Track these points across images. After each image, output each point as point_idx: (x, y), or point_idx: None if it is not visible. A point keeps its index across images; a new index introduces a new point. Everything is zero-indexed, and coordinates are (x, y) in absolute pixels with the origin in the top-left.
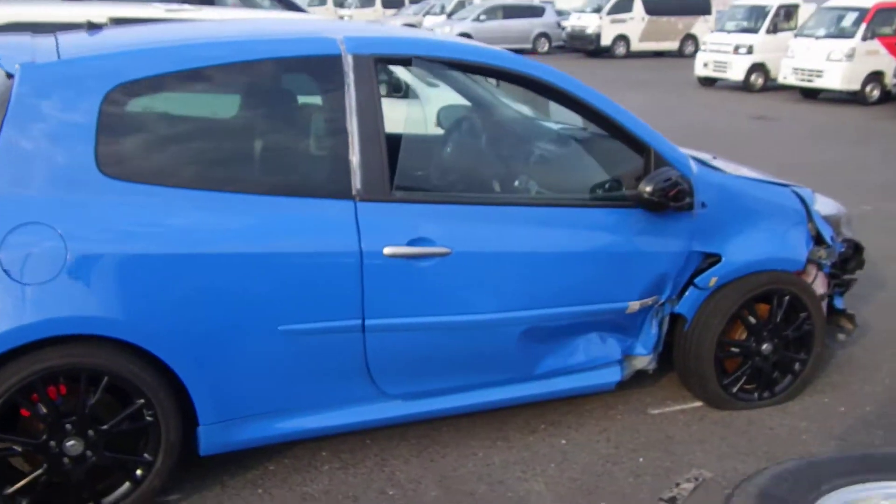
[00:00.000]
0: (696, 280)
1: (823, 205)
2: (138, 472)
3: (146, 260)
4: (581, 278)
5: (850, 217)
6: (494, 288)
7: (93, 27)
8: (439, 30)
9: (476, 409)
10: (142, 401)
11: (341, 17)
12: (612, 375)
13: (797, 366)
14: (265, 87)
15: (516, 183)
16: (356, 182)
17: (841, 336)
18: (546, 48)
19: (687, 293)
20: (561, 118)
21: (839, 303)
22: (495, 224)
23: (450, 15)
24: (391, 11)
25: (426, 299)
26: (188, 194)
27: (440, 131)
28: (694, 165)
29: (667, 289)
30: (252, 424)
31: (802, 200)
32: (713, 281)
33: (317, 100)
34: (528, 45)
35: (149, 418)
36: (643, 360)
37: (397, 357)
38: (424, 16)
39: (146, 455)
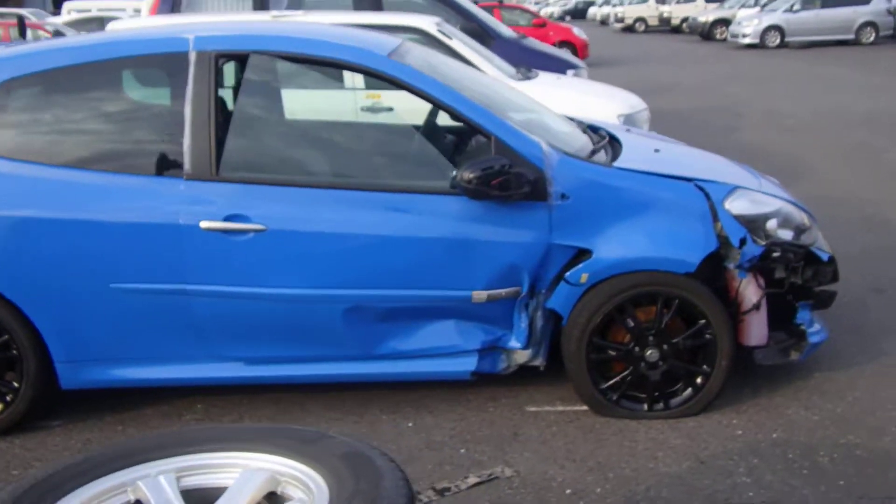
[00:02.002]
0: (566, 275)
1: (759, 204)
2: (8, 397)
3: (2, 221)
4: (406, 262)
5: (798, 218)
6: (310, 265)
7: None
8: (746, 22)
9: (317, 380)
10: (6, 336)
11: (661, 13)
12: (467, 364)
13: (699, 379)
14: (123, 81)
15: (347, 167)
16: (186, 163)
17: (794, 354)
18: (872, 38)
19: (558, 288)
20: None
21: (802, 317)
22: (313, 205)
23: (763, 6)
24: (713, 5)
25: (244, 271)
26: (44, 169)
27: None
28: (552, 154)
29: (524, 281)
30: (99, 368)
31: (707, 197)
32: (584, 277)
33: (166, 91)
34: (850, 36)
35: (14, 352)
36: (522, 354)
37: (223, 322)
38: (739, 9)
39: (14, 383)
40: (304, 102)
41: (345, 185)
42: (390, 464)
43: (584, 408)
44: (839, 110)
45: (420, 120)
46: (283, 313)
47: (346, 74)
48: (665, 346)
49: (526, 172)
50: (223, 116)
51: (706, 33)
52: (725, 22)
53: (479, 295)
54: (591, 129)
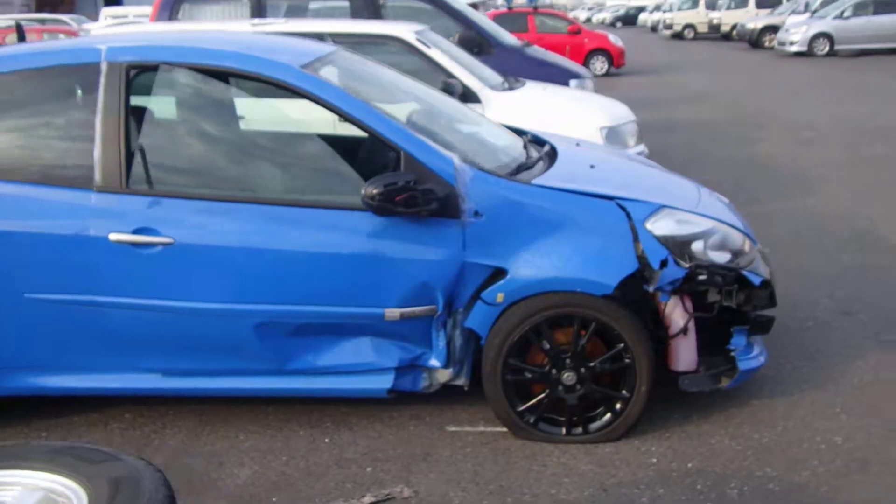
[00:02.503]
0: (483, 295)
1: (686, 224)
2: None
3: None
4: (317, 279)
5: (736, 240)
6: (219, 279)
7: None
8: (793, 29)
9: (233, 394)
10: None
11: (711, 20)
12: (384, 382)
13: (619, 404)
14: (38, 92)
15: (259, 180)
16: (97, 175)
17: (725, 381)
18: None
19: (475, 308)
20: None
21: (736, 343)
22: (222, 219)
23: (813, 13)
24: (765, 11)
25: (154, 284)
26: None
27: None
28: (465, 170)
29: (438, 300)
30: (17, 375)
31: (628, 217)
32: (500, 297)
33: (79, 102)
34: None
35: None
36: (444, 373)
37: (137, 334)
38: (789, 15)
39: None
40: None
41: (254, 198)
42: (165, 492)
43: (505, 430)
44: (865, 122)
45: (341, 132)
46: (194, 327)
47: None
48: (582, 370)
49: (435, 188)
50: (134, 128)
51: (754, 41)
52: (774, 29)
53: (392, 313)
54: (536, 142)
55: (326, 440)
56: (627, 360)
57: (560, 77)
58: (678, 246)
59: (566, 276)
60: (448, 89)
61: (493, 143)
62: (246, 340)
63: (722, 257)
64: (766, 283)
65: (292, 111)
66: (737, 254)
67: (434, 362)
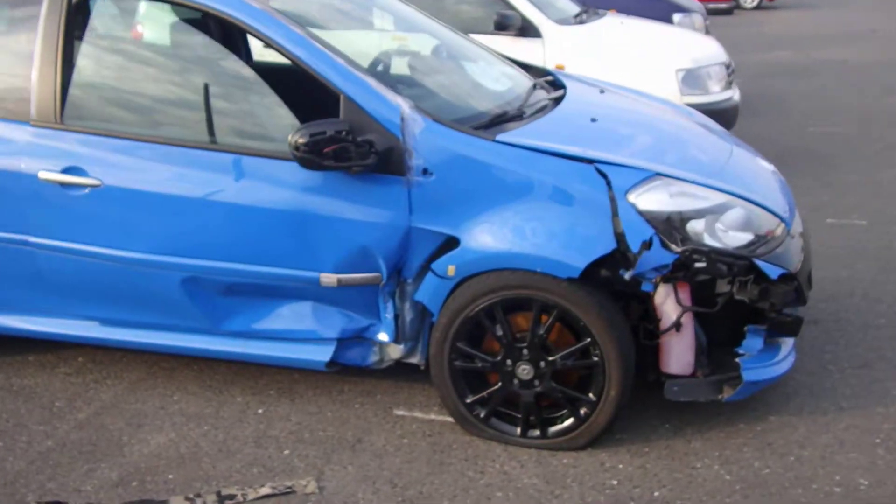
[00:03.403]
0: (433, 265)
1: (684, 198)
2: None
3: None
4: (245, 234)
5: (763, 222)
6: (144, 228)
7: None
8: None
9: (170, 350)
10: None
11: None
12: (322, 354)
13: (584, 409)
14: None
15: (193, 122)
16: (32, 107)
17: (727, 391)
18: None
19: (425, 280)
20: None
21: (750, 346)
22: (151, 162)
23: None
24: None
25: (82, 228)
26: None
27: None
28: (415, 120)
29: (380, 267)
30: None
31: (608, 185)
32: (451, 270)
33: (21, 29)
34: None
35: None
36: (395, 348)
37: (69, 279)
38: None
39: None
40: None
41: (184, 141)
42: None
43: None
44: None
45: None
46: (125, 277)
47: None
48: (541, 364)
49: (376, 140)
50: (72, 59)
51: None
52: None
53: (328, 278)
54: (554, 86)
55: (260, 411)
56: (595, 358)
57: (663, 10)
58: (670, 224)
59: (525, 251)
60: (503, 23)
61: (487, 87)
62: (175, 296)
63: (737, 239)
64: (788, 277)
65: (240, 43)
66: (759, 237)
67: (382, 336)
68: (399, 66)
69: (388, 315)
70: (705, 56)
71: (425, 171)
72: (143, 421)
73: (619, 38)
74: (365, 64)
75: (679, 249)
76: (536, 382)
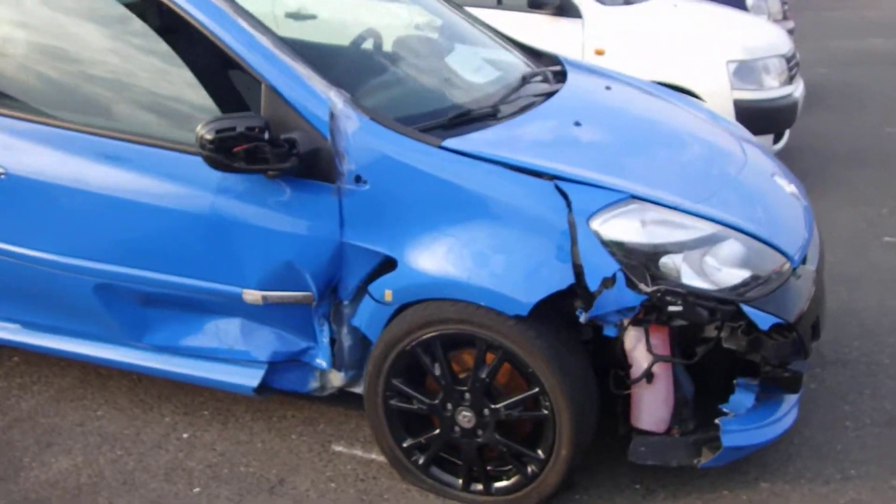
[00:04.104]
0: (370, 287)
1: (660, 226)
2: None
3: None
4: (155, 239)
5: (762, 259)
6: (54, 225)
7: None
8: None
9: (95, 361)
10: None
11: None
12: (252, 378)
13: (532, 467)
14: None
15: (106, 108)
16: None
17: (706, 455)
18: None
19: (363, 303)
20: None
21: (737, 403)
22: (60, 152)
23: None
24: None
25: None
26: None
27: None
28: (349, 118)
29: (311, 286)
30: None
31: (569, 207)
32: (388, 294)
33: None
34: None
35: None
36: (337, 375)
37: None
38: None
39: None
40: None
41: (92, 128)
42: None
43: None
44: None
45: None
46: (38, 278)
47: None
48: (485, 412)
49: (300, 139)
50: None
51: None
52: None
53: (252, 295)
54: (557, 78)
55: (185, 435)
56: (545, 411)
57: None
58: (639, 258)
59: (467, 281)
60: (538, 0)
61: (463, 77)
62: (90, 303)
63: (731, 278)
64: (783, 328)
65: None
66: (757, 278)
67: (321, 361)
68: (363, 47)
69: (325, 339)
70: (762, 46)
71: (358, 179)
72: (55, 439)
73: (667, 24)
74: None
75: (649, 289)
76: (479, 432)
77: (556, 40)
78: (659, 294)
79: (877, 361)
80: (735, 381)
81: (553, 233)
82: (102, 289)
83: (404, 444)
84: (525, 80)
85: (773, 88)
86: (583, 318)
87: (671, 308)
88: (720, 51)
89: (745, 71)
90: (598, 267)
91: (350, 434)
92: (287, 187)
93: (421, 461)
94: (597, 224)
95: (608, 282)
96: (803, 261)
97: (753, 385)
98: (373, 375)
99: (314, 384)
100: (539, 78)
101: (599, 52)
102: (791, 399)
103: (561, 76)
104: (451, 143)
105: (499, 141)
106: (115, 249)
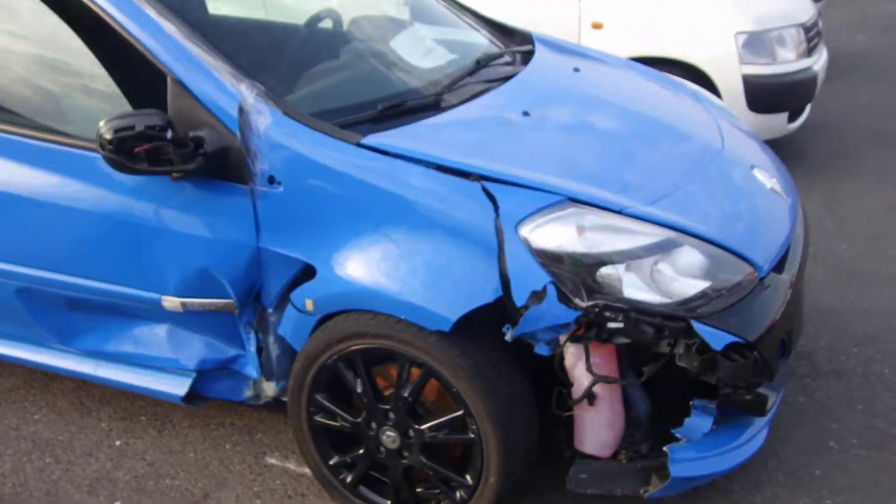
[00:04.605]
0: (291, 296)
1: (599, 233)
2: None
3: None
4: (69, 242)
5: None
6: None
7: None
8: None
9: (25, 364)
10: None
11: None
12: (179, 386)
13: (460, 493)
14: None
15: (15, 102)
16: None
17: (655, 483)
18: None
19: (286, 312)
20: None
21: (692, 427)
22: None
23: None
24: None
25: None
26: None
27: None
28: (260, 112)
29: (231, 293)
30: None
31: (496, 212)
32: (309, 304)
33: None
34: None
35: None
36: (269, 385)
37: None
38: None
39: None
40: None
41: (5, 127)
42: None
43: None
44: None
45: None
46: None
47: None
48: (410, 432)
49: (208, 138)
50: None
51: None
52: None
53: (171, 302)
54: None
55: (118, 443)
56: (472, 435)
57: None
58: (574, 268)
59: (386, 292)
60: None
61: (408, 62)
62: (16, 307)
63: (688, 289)
64: (743, 347)
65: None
66: (715, 289)
67: (251, 370)
68: (315, 27)
69: (251, 348)
70: (776, 15)
71: (272, 180)
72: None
73: None
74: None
75: (584, 304)
76: (405, 453)
77: (551, 14)
78: (597, 310)
79: (876, 372)
80: (691, 403)
81: (480, 240)
82: (24, 293)
83: (331, 462)
84: (480, 63)
85: (788, 62)
86: (508, 336)
87: (611, 325)
88: (728, 22)
89: (755, 43)
90: (527, 279)
91: (286, 445)
92: (199, 189)
93: (349, 479)
94: (526, 231)
95: (537, 296)
96: (779, 268)
97: (711, 408)
98: (295, 390)
99: (248, 393)
100: (502, 60)
101: (597, 26)
102: (759, 421)
103: (528, 57)
104: (371, 139)
105: (429, 136)
106: (32, 253)
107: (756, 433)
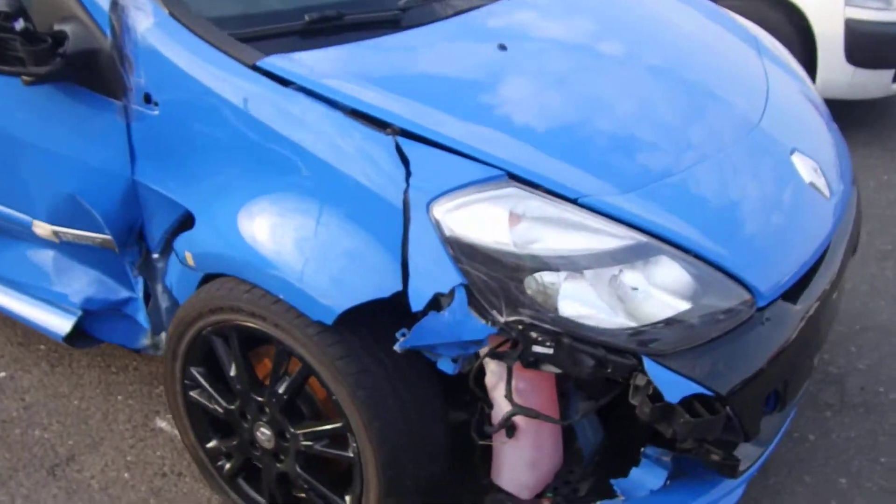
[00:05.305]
0: (174, 243)
1: (540, 226)
2: None
3: None
4: None
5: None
6: None
7: None
8: None
9: None
10: None
11: None
12: (62, 324)
13: None
14: None
15: None
16: None
17: None
18: None
19: (171, 261)
20: None
21: (634, 482)
22: None
23: None
24: None
25: None
26: None
27: None
28: (142, 10)
29: (104, 228)
30: None
31: (406, 182)
32: (189, 257)
33: None
34: None
35: None
36: (164, 338)
37: None
38: None
39: None
40: None
41: None
42: None
43: None
44: None
45: None
46: None
47: None
48: (287, 434)
49: (72, 35)
50: None
51: None
52: None
53: (42, 228)
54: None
55: (2, 374)
56: (351, 454)
57: None
58: (498, 269)
59: (262, 260)
60: None
61: None
62: None
63: (654, 311)
64: (712, 400)
65: None
66: (697, 315)
67: (143, 319)
68: None
69: (138, 294)
70: None
71: (148, 99)
72: None
73: None
74: None
75: (503, 319)
76: (281, 457)
77: None
78: (520, 327)
79: None
80: (642, 450)
81: (387, 216)
82: None
83: (208, 445)
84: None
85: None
86: (397, 347)
87: (537, 349)
88: None
89: None
90: (432, 276)
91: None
92: (64, 99)
93: (226, 468)
94: (440, 211)
95: (442, 300)
96: (792, 294)
97: (666, 461)
98: (169, 357)
99: (145, 341)
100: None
101: None
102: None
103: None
104: (272, 62)
105: (356, 64)
106: None
107: (726, 494)
